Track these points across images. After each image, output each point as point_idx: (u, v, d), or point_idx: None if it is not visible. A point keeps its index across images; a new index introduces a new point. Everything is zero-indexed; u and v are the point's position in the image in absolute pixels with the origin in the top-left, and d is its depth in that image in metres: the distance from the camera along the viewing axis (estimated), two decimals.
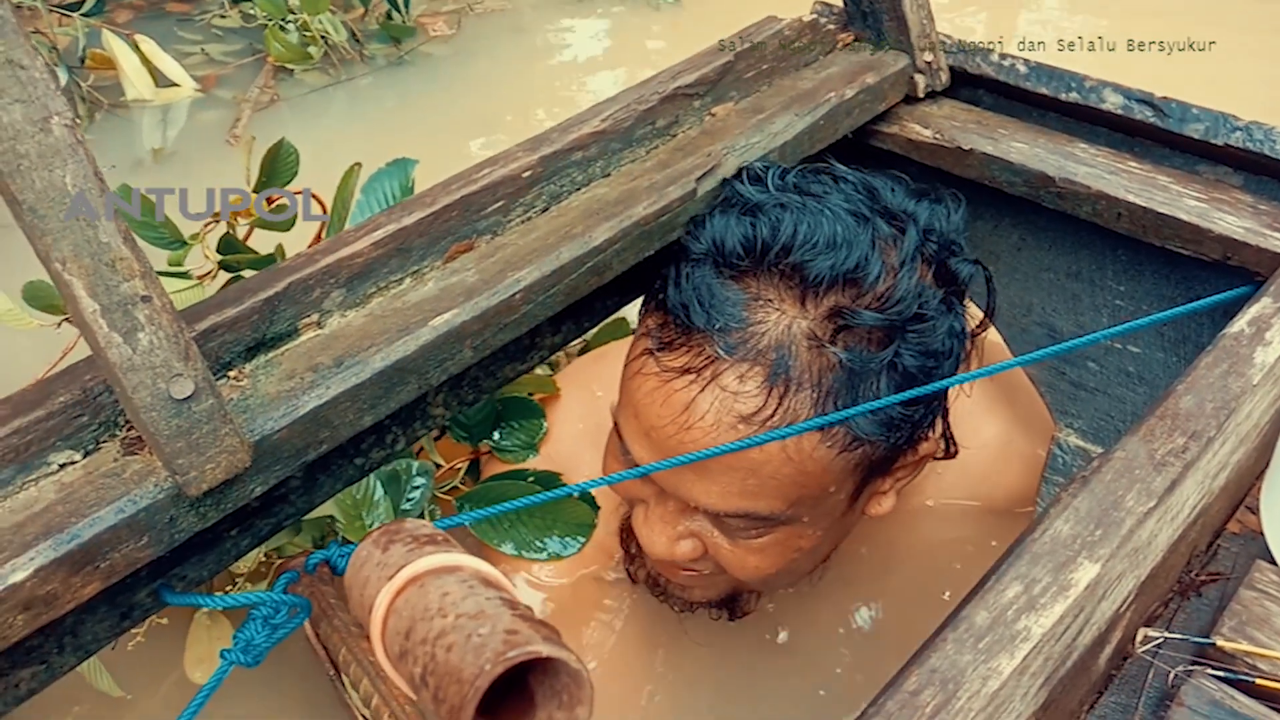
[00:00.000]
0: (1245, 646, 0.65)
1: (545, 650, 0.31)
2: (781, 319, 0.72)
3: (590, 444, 0.99)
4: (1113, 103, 0.91)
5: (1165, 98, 0.90)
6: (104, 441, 0.59)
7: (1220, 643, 0.65)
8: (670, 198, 0.78)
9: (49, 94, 0.48)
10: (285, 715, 1.04)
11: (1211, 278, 0.87)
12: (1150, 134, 0.91)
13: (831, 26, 0.97)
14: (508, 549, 1.03)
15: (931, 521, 1.05)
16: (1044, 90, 0.94)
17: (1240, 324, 0.70)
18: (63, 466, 0.58)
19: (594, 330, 1.19)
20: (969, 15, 2.34)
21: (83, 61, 2.00)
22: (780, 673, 0.97)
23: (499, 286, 0.70)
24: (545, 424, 1.08)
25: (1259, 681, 0.63)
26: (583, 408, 1.07)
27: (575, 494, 1.01)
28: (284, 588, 0.65)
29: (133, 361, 0.52)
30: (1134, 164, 0.89)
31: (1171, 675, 0.65)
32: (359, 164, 1.22)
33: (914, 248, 0.74)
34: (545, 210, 0.77)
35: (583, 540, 1.02)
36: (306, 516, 0.77)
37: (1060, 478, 1.02)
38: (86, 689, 1.00)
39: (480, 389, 0.79)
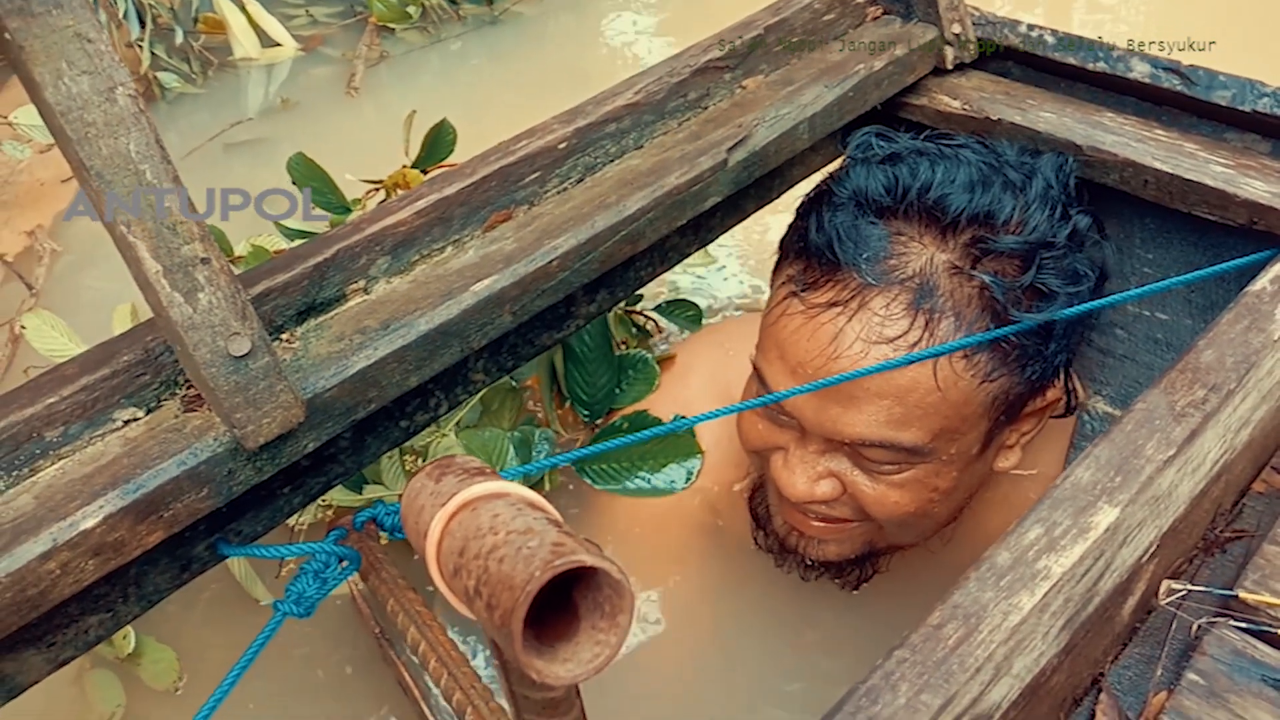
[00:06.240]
0: (1268, 598, 0.66)
1: (590, 560, 0.33)
2: (924, 251, 0.77)
3: (716, 395, 1.00)
4: (1140, 71, 0.92)
5: (1192, 65, 0.91)
6: (165, 399, 0.62)
7: (1243, 595, 0.67)
8: (701, 168, 0.80)
9: (113, 65, 0.50)
10: (329, 685, 1.08)
11: (1239, 244, 0.88)
12: (1177, 102, 0.92)
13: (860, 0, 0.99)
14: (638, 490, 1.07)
15: None
16: (1071, 60, 0.95)
17: (1262, 282, 0.71)
18: (127, 423, 0.61)
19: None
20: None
21: (195, 23, 2.19)
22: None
23: (536, 254, 0.72)
24: (659, 370, 1.11)
25: None
26: (712, 361, 1.09)
27: (693, 426, 1.02)
28: (334, 542, 0.68)
29: (193, 320, 0.55)
30: (1161, 132, 0.90)
31: (1195, 627, 0.67)
32: (414, 111, 1.32)
33: (1041, 190, 0.80)
34: (580, 181, 0.79)
35: (698, 463, 1.05)
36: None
37: (1088, 444, 1.03)
38: (223, 576, 1.08)
39: (518, 355, 0.82)
